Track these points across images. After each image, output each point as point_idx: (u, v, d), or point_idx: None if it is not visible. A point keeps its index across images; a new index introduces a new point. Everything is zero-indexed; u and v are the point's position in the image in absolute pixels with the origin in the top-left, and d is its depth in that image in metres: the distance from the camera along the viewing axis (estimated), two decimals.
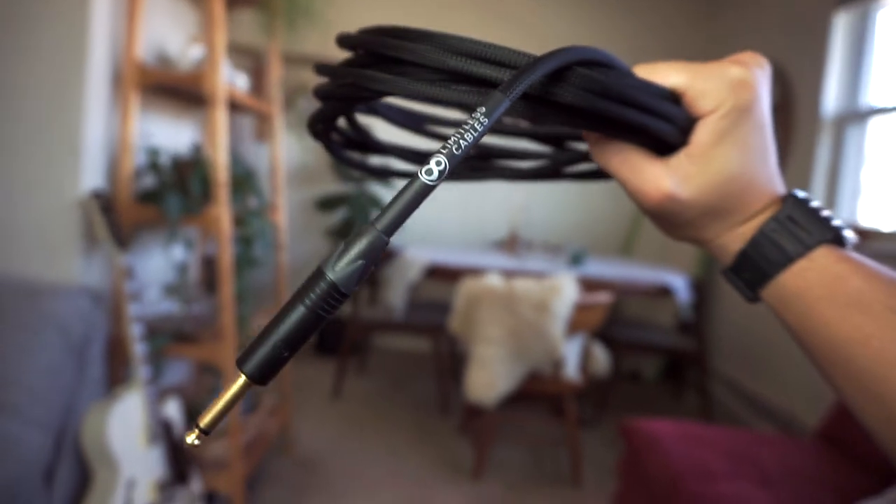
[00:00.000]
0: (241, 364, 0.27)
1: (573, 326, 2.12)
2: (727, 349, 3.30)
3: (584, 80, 0.30)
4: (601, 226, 3.91)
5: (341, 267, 0.27)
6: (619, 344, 2.86)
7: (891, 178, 2.35)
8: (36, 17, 1.49)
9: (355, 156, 0.50)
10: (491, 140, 0.44)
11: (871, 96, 2.48)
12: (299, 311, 0.26)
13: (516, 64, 0.29)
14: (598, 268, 2.90)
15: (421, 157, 0.48)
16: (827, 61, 2.59)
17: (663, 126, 0.33)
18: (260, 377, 0.27)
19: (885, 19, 2.44)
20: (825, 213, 0.34)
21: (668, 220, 0.36)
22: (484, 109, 0.27)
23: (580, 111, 0.32)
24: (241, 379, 0.27)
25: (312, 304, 0.26)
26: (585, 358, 2.32)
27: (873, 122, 2.45)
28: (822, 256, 0.33)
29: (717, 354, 3.39)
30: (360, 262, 0.27)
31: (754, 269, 0.35)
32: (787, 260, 0.34)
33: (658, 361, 3.73)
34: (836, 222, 0.34)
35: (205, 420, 0.27)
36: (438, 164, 0.27)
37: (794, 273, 0.33)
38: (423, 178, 0.27)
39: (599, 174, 0.46)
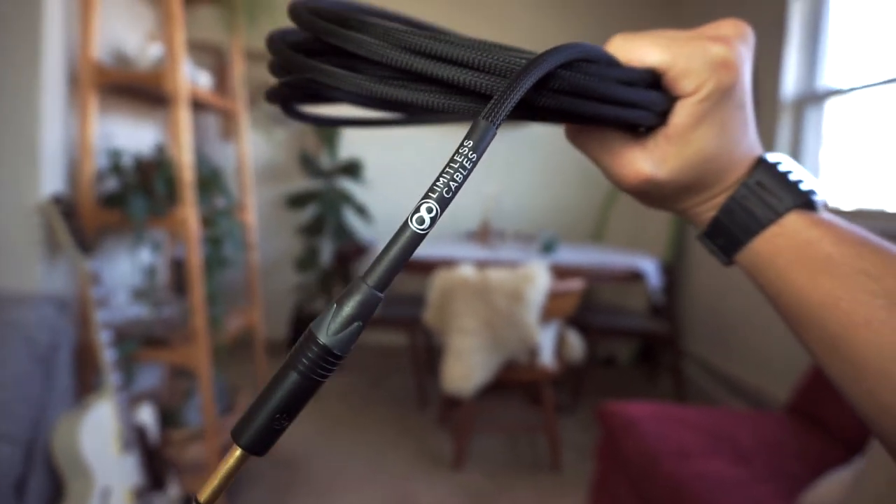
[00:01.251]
0: (237, 437, 0.26)
1: (547, 314, 2.14)
2: (699, 331, 3.36)
3: (563, 83, 0.30)
4: (572, 213, 3.94)
5: (334, 330, 0.25)
6: (593, 330, 2.89)
7: (848, 158, 2.42)
8: None
9: (311, 112, 0.46)
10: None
11: (827, 78, 2.54)
12: (293, 379, 0.25)
13: (486, 66, 0.28)
14: (570, 255, 2.93)
15: (379, 102, 0.43)
16: (785, 44, 2.64)
17: (641, 115, 0.33)
18: (257, 449, 0.26)
19: (840, 2, 2.49)
20: (795, 176, 0.34)
21: (647, 197, 0.37)
22: (471, 143, 0.25)
23: (560, 112, 0.31)
24: (238, 452, 0.26)
25: (306, 369, 0.25)
26: (560, 345, 2.35)
27: (830, 104, 2.51)
28: (792, 222, 0.33)
29: (689, 336, 3.45)
30: (354, 323, 0.25)
31: (727, 235, 0.35)
32: (758, 226, 0.34)
33: (632, 345, 3.79)
34: (807, 186, 0.34)
35: (204, 495, 0.26)
36: (430, 210, 0.25)
37: (766, 239, 0.33)
38: (414, 227, 0.25)
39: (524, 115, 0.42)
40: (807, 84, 2.63)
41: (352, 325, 0.25)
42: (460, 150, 0.25)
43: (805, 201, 0.33)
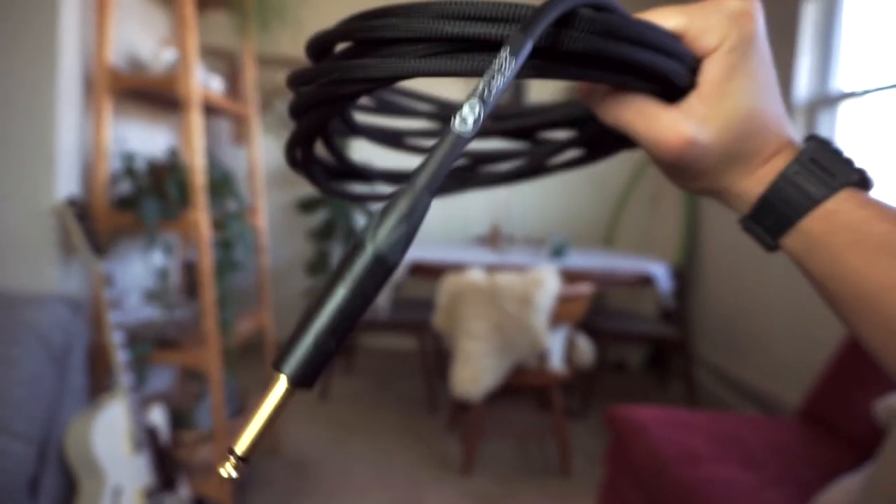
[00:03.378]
0: (279, 365, 0.23)
1: (556, 318, 2.14)
2: (710, 335, 3.34)
3: (591, 23, 0.28)
4: (583, 217, 3.93)
5: (383, 236, 0.23)
6: (604, 334, 2.88)
7: (863, 162, 2.39)
8: (3, 25, 1.46)
9: (339, 185, 0.45)
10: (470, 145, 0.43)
11: (840, 81, 2.53)
12: (341, 294, 0.23)
13: (518, 17, 0.26)
14: (580, 259, 2.92)
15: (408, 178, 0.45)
16: (797, 48, 2.63)
17: (675, 66, 0.31)
18: (304, 378, 0.23)
19: (853, 4, 2.48)
20: (847, 155, 0.33)
21: (687, 169, 0.34)
22: (509, 48, 0.24)
23: (590, 59, 0.29)
24: (282, 383, 0.23)
25: (356, 282, 0.23)
26: (570, 349, 2.34)
27: (844, 107, 2.49)
28: (846, 200, 0.31)
29: (700, 341, 3.43)
30: (403, 227, 0.24)
31: (776, 214, 0.33)
32: (812, 203, 0.32)
33: (643, 350, 3.77)
34: (860, 165, 0.32)
35: (241, 444, 0.23)
36: (472, 108, 0.24)
37: (819, 217, 0.31)
38: (458, 128, 0.24)
39: (583, 160, 0.44)
40: (819, 87, 2.61)
41: (400, 228, 0.24)
42: (499, 57, 0.24)
43: (860, 178, 0.32)
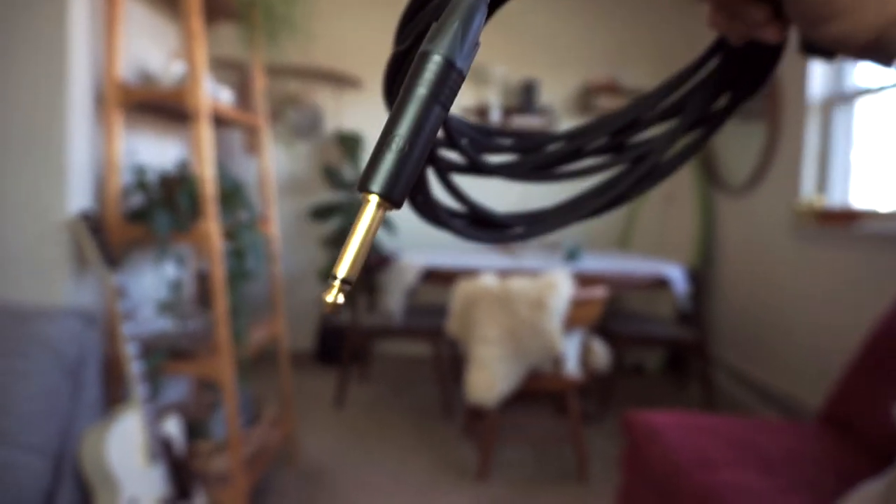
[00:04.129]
0: (365, 185, 0.23)
1: (570, 322, 2.12)
2: (728, 337, 3.30)
3: None
4: (597, 220, 3.90)
5: (447, 42, 0.23)
6: (620, 338, 2.85)
7: (880, 158, 2.35)
8: (14, 41, 1.49)
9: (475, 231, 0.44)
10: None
11: (856, 77, 2.48)
12: (416, 102, 0.23)
13: None
14: (594, 262, 2.90)
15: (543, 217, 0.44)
16: None
17: None
18: (392, 192, 0.23)
19: None
20: None
21: None
22: None
23: None
24: (373, 201, 0.24)
25: (429, 90, 0.23)
26: (585, 353, 2.32)
27: (860, 103, 2.45)
28: None
29: (718, 343, 3.38)
30: (462, 31, 0.23)
31: None
32: None
33: (660, 353, 3.73)
34: None
35: (342, 268, 0.24)
36: None
37: None
38: None
39: (693, 150, 0.41)
40: (835, 84, 2.57)
41: (460, 33, 0.24)
42: None
43: None
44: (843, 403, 1.70)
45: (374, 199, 0.24)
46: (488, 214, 0.43)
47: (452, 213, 0.43)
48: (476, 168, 0.42)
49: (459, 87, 0.24)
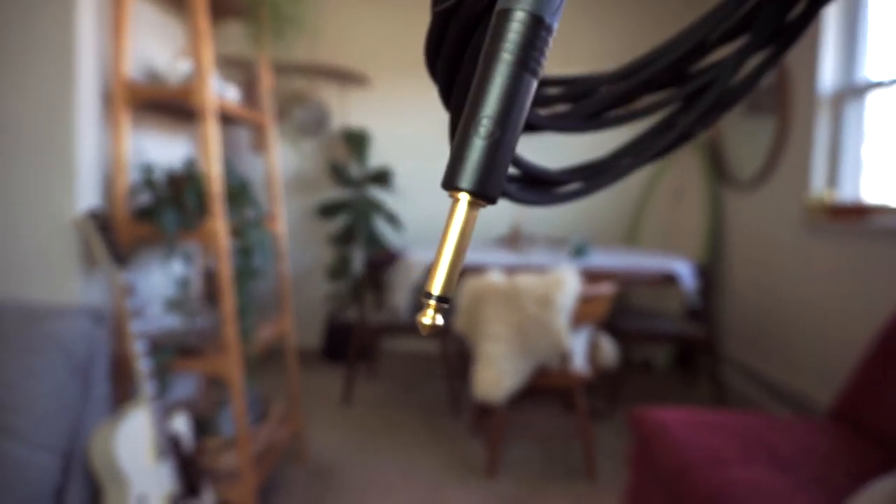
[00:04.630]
0: (452, 182, 0.20)
1: (577, 318, 2.11)
2: (738, 333, 3.28)
3: None
4: (605, 216, 3.89)
5: None
6: (628, 334, 2.84)
7: (891, 152, 2.33)
8: (22, 41, 1.49)
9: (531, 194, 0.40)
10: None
11: (867, 71, 2.46)
12: (502, 73, 0.19)
13: None
14: (602, 258, 2.89)
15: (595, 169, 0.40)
16: (821, 38, 2.57)
17: None
18: (486, 185, 0.20)
19: None
20: None
21: None
22: None
23: None
24: (463, 199, 0.21)
25: (515, 56, 0.19)
26: (593, 350, 2.31)
27: (871, 97, 2.42)
28: None
29: (727, 339, 3.37)
30: None
31: None
32: None
33: (668, 350, 3.71)
34: None
35: (436, 286, 0.21)
36: None
37: None
38: None
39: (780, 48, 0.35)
40: (846, 77, 2.54)
41: None
42: None
43: None
44: (854, 399, 1.68)
45: (464, 198, 0.21)
46: (544, 173, 0.38)
47: (507, 178, 0.38)
48: (528, 125, 0.37)
49: (549, 46, 0.20)
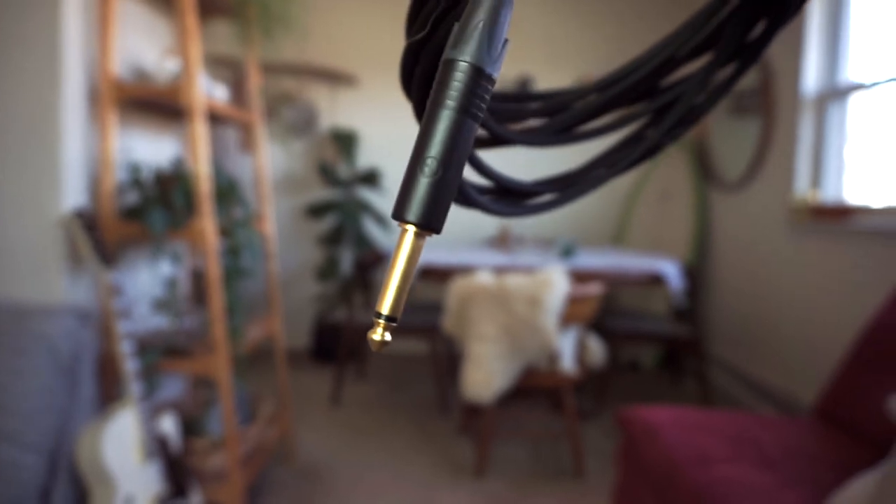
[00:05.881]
0: (400, 214, 0.22)
1: (566, 319, 2.12)
2: (724, 334, 3.31)
3: None
4: (592, 217, 3.91)
5: (472, 44, 0.21)
6: (616, 334, 2.86)
7: (874, 153, 2.36)
8: (7, 38, 1.48)
9: (499, 204, 0.42)
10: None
11: (850, 73, 2.49)
12: (446, 117, 0.21)
13: None
14: (590, 259, 2.90)
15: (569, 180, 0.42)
16: (804, 40, 2.60)
17: None
18: (430, 219, 0.22)
19: None
20: None
21: None
22: None
23: None
24: (410, 231, 0.22)
25: (458, 103, 0.21)
26: (581, 350, 2.32)
27: (854, 99, 2.45)
28: None
29: (714, 340, 3.40)
30: (487, 33, 0.21)
31: None
32: None
33: (655, 350, 3.74)
34: None
35: (385, 305, 0.23)
36: None
37: None
38: None
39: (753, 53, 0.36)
40: (828, 79, 2.58)
41: (485, 35, 0.21)
42: None
43: None
44: (838, 398, 1.71)
45: (411, 230, 0.23)
46: (517, 185, 0.40)
47: (480, 190, 0.40)
48: (498, 140, 0.40)
49: (490, 92, 0.22)
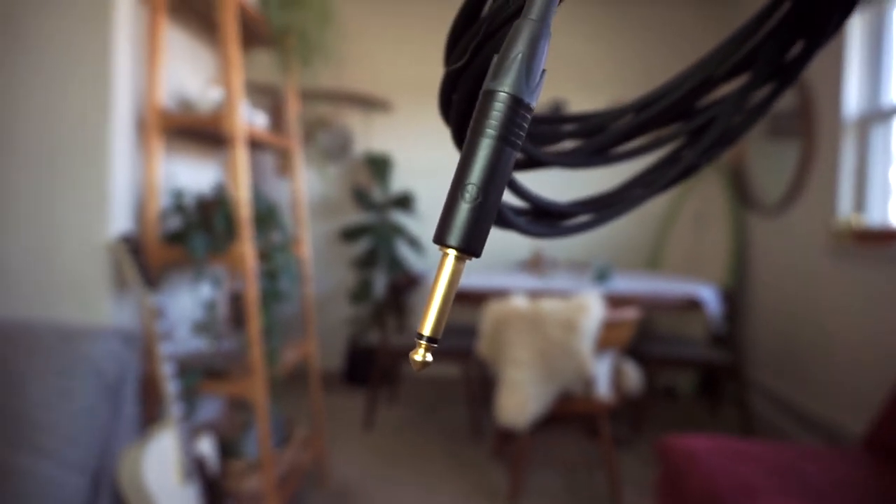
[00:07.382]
0: (441, 239, 0.23)
1: (602, 344, 2.09)
2: (765, 359, 3.22)
3: None
4: (627, 241, 3.87)
5: (511, 75, 0.22)
6: (652, 360, 2.81)
7: None
8: (61, 70, 1.55)
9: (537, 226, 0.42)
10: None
11: (893, 95, 2.44)
12: (486, 145, 0.22)
13: None
14: (625, 283, 2.87)
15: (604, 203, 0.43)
16: (845, 63, 2.56)
17: None
18: (470, 243, 0.23)
19: None
20: None
21: None
22: None
23: None
24: (451, 255, 0.23)
25: (497, 132, 0.22)
26: (617, 376, 2.29)
27: None
28: None
29: (754, 365, 3.31)
30: (526, 64, 0.22)
31: None
32: None
33: (693, 376, 3.65)
34: None
35: (426, 327, 0.24)
36: None
37: None
38: None
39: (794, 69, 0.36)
40: (871, 102, 2.53)
41: (524, 65, 0.22)
42: None
43: None
44: (888, 428, 1.64)
45: (452, 253, 0.23)
46: (553, 206, 0.41)
47: (516, 211, 0.40)
48: (535, 162, 0.40)
49: (529, 121, 0.23)
